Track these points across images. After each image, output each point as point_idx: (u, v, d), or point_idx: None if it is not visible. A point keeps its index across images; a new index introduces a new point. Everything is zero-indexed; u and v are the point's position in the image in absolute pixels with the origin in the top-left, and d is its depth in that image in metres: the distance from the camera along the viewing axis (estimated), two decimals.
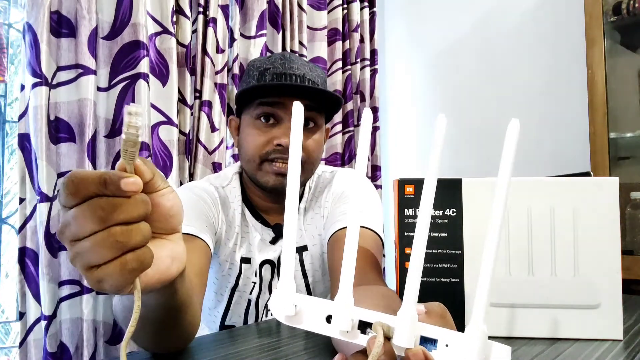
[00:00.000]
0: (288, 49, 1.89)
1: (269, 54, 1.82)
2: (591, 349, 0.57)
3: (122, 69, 1.41)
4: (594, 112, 1.44)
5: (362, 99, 2.20)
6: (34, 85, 1.27)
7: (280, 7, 1.87)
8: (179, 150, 1.55)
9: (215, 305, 0.92)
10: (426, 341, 0.34)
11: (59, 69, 1.34)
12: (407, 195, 0.64)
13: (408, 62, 2.25)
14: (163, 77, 1.52)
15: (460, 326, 0.61)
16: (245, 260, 0.89)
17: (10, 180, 1.46)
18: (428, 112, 2.16)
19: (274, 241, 0.90)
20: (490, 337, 0.33)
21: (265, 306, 0.91)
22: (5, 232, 1.42)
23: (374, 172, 2.21)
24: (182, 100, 1.58)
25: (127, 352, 0.55)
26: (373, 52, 2.25)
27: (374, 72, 2.24)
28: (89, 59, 1.35)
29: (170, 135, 1.52)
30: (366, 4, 2.23)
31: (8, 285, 1.44)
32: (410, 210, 0.64)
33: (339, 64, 2.10)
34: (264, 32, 1.79)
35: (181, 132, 1.58)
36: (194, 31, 1.63)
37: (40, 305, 1.26)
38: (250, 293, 0.90)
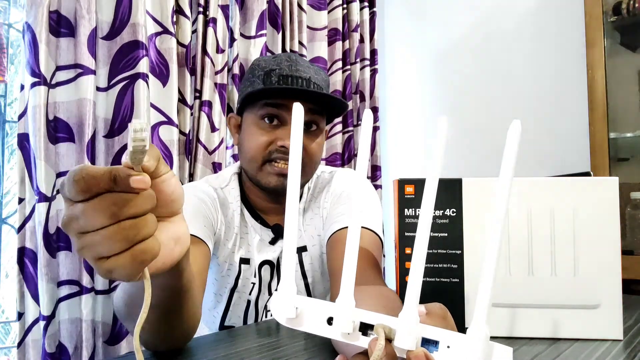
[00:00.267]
0: (288, 49, 1.89)
1: (269, 54, 1.83)
2: (591, 349, 0.57)
3: (121, 69, 1.41)
4: (594, 112, 1.44)
5: (362, 99, 2.20)
6: (33, 85, 1.27)
7: (280, 7, 1.87)
8: (179, 150, 1.55)
9: (215, 305, 0.92)
10: (428, 342, 0.34)
11: (58, 68, 1.33)
12: (407, 195, 0.64)
13: (408, 62, 2.25)
14: (163, 77, 1.52)
15: (460, 326, 0.61)
16: (245, 261, 0.89)
17: (10, 180, 1.46)
18: (428, 112, 2.16)
19: (273, 242, 0.90)
20: (490, 337, 0.32)
21: (265, 307, 0.91)
22: (5, 232, 1.42)
23: (374, 172, 2.21)
24: (182, 100, 1.58)
25: (126, 352, 0.55)
26: (373, 52, 2.25)
27: (373, 72, 2.24)
28: (89, 59, 1.35)
29: (170, 135, 1.52)
30: (366, 4, 2.23)
31: (8, 285, 1.44)
32: (410, 210, 0.64)
33: (339, 64, 2.10)
34: (264, 32, 1.79)
35: (181, 132, 1.58)
36: (194, 31, 1.63)
37: (39, 305, 1.26)
38: (250, 294, 0.90)
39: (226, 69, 1.70)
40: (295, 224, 0.37)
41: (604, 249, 0.61)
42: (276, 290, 0.38)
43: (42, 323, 1.25)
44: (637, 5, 1.46)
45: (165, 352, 0.58)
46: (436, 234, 0.63)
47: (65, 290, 1.30)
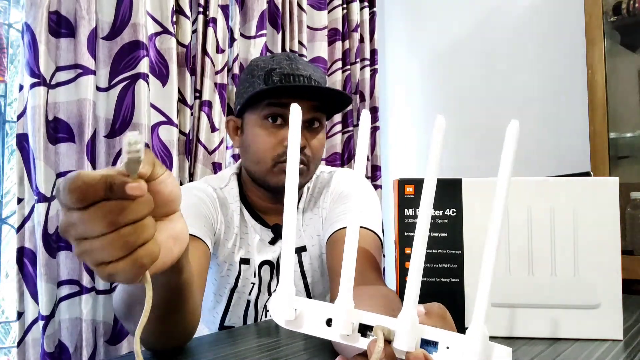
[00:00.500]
0: (288, 49, 1.89)
1: (269, 54, 1.82)
2: (591, 349, 0.57)
3: (122, 69, 1.41)
4: (594, 112, 1.44)
5: (362, 99, 2.20)
6: (32, 86, 1.27)
7: (280, 7, 1.87)
8: (179, 150, 1.55)
9: (215, 306, 0.92)
10: (427, 343, 0.34)
11: (59, 69, 1.33)
12: (407, 195, 0.64)
13: (408, 62, 2.25)
14: (163, 77, 1.52)
15: (460, 326, 0.61)
16: (245, 261, 0.89)
17: (10, 180, 1.46)
18: (428, 112, 2.16)
19: (273, 242, 0.90)
20: (490, 337, 0.32)
21: (265, 307, 0.91)
22: (5, 232, 1.42)
23: (374, 172, 2.21)
24: (182, 100, 1.58)
25: (126, 353, 0.54)
26: (373, 52, 2.25)
27: (373, 72, 2.24)
28: (89, 59, 1.35)
29: (170, 135, 1.52)
30: (366, 4, 2.23)
31: (8, 285, 1.44)
32: (410, 210, 0.64)
33: (339, 64, 2.10)
34: (264, 32, 1.79)
35: (181, 132, 1.58)
36: (194, 31, 1.63)
37: (38, 305, 1.26)
38: (250, 294, 0.90)
39: (226, 69, 1.70)
40: (294, 226, 0.37)
41: (604, 249, 0.61)
42: (275, 290, 0.38)
43: (41, 323, 1.25)
44: (637, 5, 1.46)
45: (165, 352, 0.58)
46: (436, 234, 0.63)
47: (65, 290, 1.30)
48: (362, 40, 2.21)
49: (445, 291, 0.63)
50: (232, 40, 1.75)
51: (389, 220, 2.18)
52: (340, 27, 2.11)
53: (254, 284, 0.89)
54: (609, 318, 0.60)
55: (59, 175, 1.32)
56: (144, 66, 1.41)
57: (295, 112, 0.37)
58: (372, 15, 2.27)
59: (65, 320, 1.30)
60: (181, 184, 1.56)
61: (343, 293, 0.35)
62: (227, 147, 1.73)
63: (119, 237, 0.33)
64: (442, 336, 0.34)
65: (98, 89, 1.40)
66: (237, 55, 1.76)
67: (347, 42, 2.14)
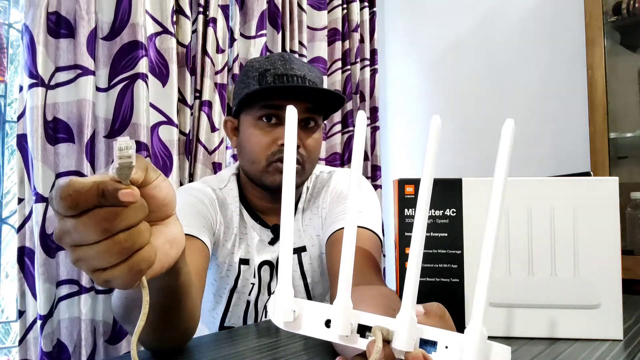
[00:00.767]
0: (288, 49, 1.89)
1: (268, 54, 1.82)
2: (591, 349, 0.57)
3: (121, 69, 1.41)
4: (594, 112, 1.44)
5: (362, 99, 2.20)
6: (31, 87, 1.27)
7: (280, 7, 1.87)
8: (179, 150, 1.55)
9: (214, 306, 0.92)
10: (426, 343, 0.34)
11: (58, 69, 1.34)
12: (407, 195, 0.64)
13: (408, 62, 2.25)
14: (163, 77, 1.52)
15: (460, 325, 0.61)
16: (244, 261, 0.89)
17: (10, 180, 1.46)
18: (428, 112, 2.16)
19: (272, 242, 0.90)
20: (490, 337, 0.32)
21: (265, 307, 0.91)
22: (5, 233, 1.42)
23: (374, 172, 2.21)
24: (182, 100, 1.58)
25: (126, 352, 0.54)
26: (373, 52, 2.25)
27: (373, 72, 2.24)
28: (88, 60, 1.35)
29: (170, 135, 1.52)
30: (366, 4, 2.23)
31: (8, 285, 1.44)
32: (410, 210, 0.64)
33: (339, 64, 2.10)
34: (264, 32, 1.79)
35: (181, 132, 1.58)
36: (194, 31, 1.63)
37: (36, 304, 1.26)
38: (249, 294, 0.90)
39: (226, 69, 1.70)
40: (292, 227, 0.37)
41: (604, 249, 0.61)
42: (275, 290, 0.38)
43: (38, 322, 1.25)
44: (637, 5, 1.46)
45: (165, 352, 0.58)
46: (436, 234, 0.63)
47: (64, 290, 1.30)
48: (362, 40, 2.21)
49: (445, 291, 0.63)
50: (232, 40, 1.75)
51: (389, 220, 2.18)
52: (340, 27, 2.11)
53: (253, 284, 0.89)
54: (609, 318, 0.60)
55: (58, 175, 1.32)
56: (142, 66, 1.41)
57: (291, 114, 0.37)
58: (372, 15, 2.27)
59: (65, 320, 1.30)
60: (181, 184, 1.56)
61: (341, 294, 0.35)
62: (227, 147, 1.73)
63: (113, 244, 0.33)
64: (440, 336, 0.34)
65: (98, 89, 1.40)
66: (237, 55, 1.76)
67: (347, 42, 2.14)
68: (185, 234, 0.74)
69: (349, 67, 2.13)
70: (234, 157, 1.76)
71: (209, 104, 1.62)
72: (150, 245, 0.35)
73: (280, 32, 1.88)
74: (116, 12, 1.42)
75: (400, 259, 0.64)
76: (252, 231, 0.90)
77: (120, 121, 1.40)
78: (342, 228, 0.81)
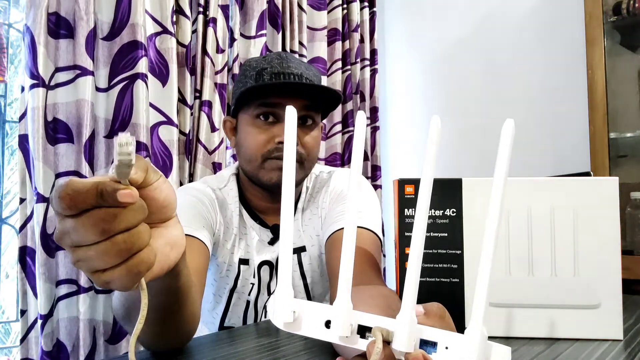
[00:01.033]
0: (288, 49, 1.89)
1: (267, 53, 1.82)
2: (591, 349, 0.57)
3: (121, 69, 1.41)
4: (594, 112, 1.44)
5: (362, 99, 2.20)
6: (32, 87, 1.27)
7: (280, 7, 1.87)
8: (179, 150, 1.55)
9: (214, 306, 0.92)
10: (426, 344, 0.34)
11: (58, 70, 1.34)
12: (407, 195, 0.64)
13: (408, 62, 2.25)
14: (163, 77, 1.52)
15: (460, 325, 0.61)
16: (244, 261, 0.89)
17: (10, 180, 1.46)
18: (428, 112, 2.16)
19: (272, 242, 0.90)
20: (490, 337, 0.32)
21: (264, 307, 0.91)
22: (5, 233, 1.42)
23: (374, 172, 2.21)
24: (182, 100, 1.58)
25: (125, 352, 0.54)
26: (373, 52, 2.25)
27: (373, 72, 2.24)
28: (87, 60, 1.35)
29: (170, 135, 1.52)
30: (366, 4, 2.23)
31: (8, 285, 1.44)
32: (410, 210, 0.64)
33: (339, 64, 2.09)
34: (264, 32, 1.79)
35: (181, 132, 1.58)
36: (194, 31, 1.63)
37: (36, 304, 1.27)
38: (249, 294, 0.90)
39: (226, 69, 1.70)
40: (291, 228, 0.37)
41: (604, 249, 0.61)
42: (275, 290, 0.38)
43: (39, 322, 1.25)
44: (637, 5, 1.46)
45: (165, 352, 0.58)
46: (436, 234, 0.63)
47: (64, 290, 1.30)
48: (362, 40, 2.21)
49: (445, 291, 0.63)
50: (232, 40, 1.75)
51: (389, 220, 2.18)
52: (340, 27, 2.11)
53: (253, 284, 0.89)
54: (609, 318, 0.60)
55: (58, 175, 1.32)
56: (142, 66, 1.41)
57: (291, 114, 0.36)
58: (372, 15, 2.27)
59: (64, 320, 1.30)
60: (181, 184, 1.56)
61: (341, 294, 0.35)
62: (227, 147, 1.73)
63: (112, 245, 0.33)
64: (441, 336, 0.34)
65: (98, 89, 1.40)
66: (237, 55, 1.76)
67: (347, 42, 2.14)
68: (185, 234, 0.75)
69: (349, 67, 2.13)
70: (234, 157, 1.76)
71: (209, 104, 1.62)
72: (150, 247, 0.35)
73: (280, 32, 1.88)
74: (116, 12, 1.42)
75: (400, 259, 0.64)
76: (251, 231, 0.90)
77: (120, 121, 1.40)
78: (342, 228, 0.81)
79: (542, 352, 0.56)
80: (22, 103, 1.29)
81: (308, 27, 2.02)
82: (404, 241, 0.64)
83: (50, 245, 1.29)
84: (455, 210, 0.63)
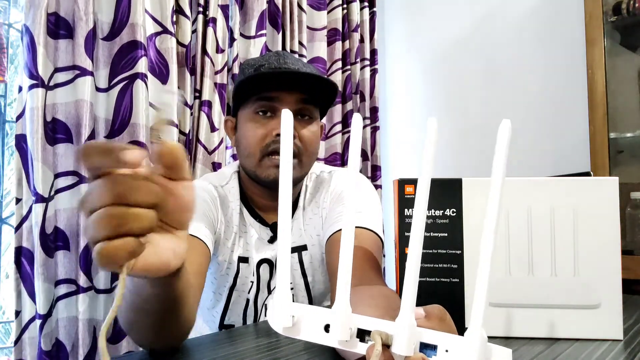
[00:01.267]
0: (288, 49, 1.89)
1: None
2: (591, 349, 0.57)
3: (121, 69, 1.41)
4: (594, 112, 1.44)
5: (362, 99, 2.20)
6: (31, 87, 1.27)
7: (280, 7, 1.87)
8: None
9: (214, 305, 0.92)
10: (426, 347, 0.34)
11: (57, 70, 1.34)
12: (407, 195, 0.64)
13: (408, 62, 2.25)
14: (163, 77, 1.52)
15: (460, 326, 0.61)
16: (243, 259, 0.89)
17: (10, 180, 1.46)
18: (428, 112, 2.16)
19: (271, 240, 0.90)
20: (490, 337, 0.32)
21: (264, 305, 0.91)
22: (5, 233, 1.42)
23: (374, 172, 2.21)
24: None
25: (125, 352, 0.54)
26: (373, 52, 2.25)
27: (373, 72, 2.24)
28: (86, 60, 1.35)
29: (170, 135, 1.52)
30: (366, 4, 2.23)
31: (8, 285, 1.44)
32: (410, 210, 0.64)
33: (339, 64, 2.09)
34: (263, 32, 1.79)
35: (181, 132, 1.58)
36: (194, 31, 1.63)
37: (35, 304, 1.26)
38: (249, 292, 0.90)
39: (226, 68, 1.70)
40: (289, 231, 0.37)
41: (604, 249, 0.61)
42: (275, 288, 0.38)
43: (38, 322, 1.25)
44: (637, 5, 1.46)
45: (165, 353, 0.58)
46: (436, 234, 0.63)
47: (63, 289, 1.30)
48: (362, 40, 2.21)
49: (446, 291, 0.63)
50: (232, 40, 1.75)
51: (389, 220, 2.18)
52: (340, 27, 2.11)
53: (252, 282, 0.89)
54: (609, 318, 0.60)
55: (57, 175, 1.32)
56: (142, 66, 1.41)
57: (287, 117, 0.36)
58: (372, 15, 2.27)
59: (63, 319, 1.30)
60: None
61: (340, 298, 0.35)
62: (227, 147, 1.73)
63: (106, 215, 0.33)
64: (440, 339, 0.34)
65: (98, 89, 1.40)
66: (237, 55, 1.76)
67: (347, 42, 2.14)
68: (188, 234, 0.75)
69: (349, 67, 2.13)
70: (234, 157, 1.76)
71: (209, 104, 1.62)
72: (138, 241, 0.34)
73: (280, 32, 1.87)
74: (116, 12, 1.42)
75: (400, 259, 0.64)
76: (251, 229, 0.90)
77: (120, 121, 1.40)
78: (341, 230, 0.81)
79: (542, 352, 0.56)
80: (20, 103, 1.29)
81: (308, 27, 2.02)
82: (404, 241, 0.64)
83: (49, 245, 1.29)
84: (455, 210, 0.63)
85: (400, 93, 2.28)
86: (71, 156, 1.34)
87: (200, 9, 1.62)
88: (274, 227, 0.90)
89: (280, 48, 1.87)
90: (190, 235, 0.75)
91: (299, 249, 0.91)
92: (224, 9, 1.69)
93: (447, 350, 0.33)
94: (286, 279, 0.36)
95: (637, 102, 1.52)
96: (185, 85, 1.58)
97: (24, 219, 1.27)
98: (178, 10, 1.57)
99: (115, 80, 1.41)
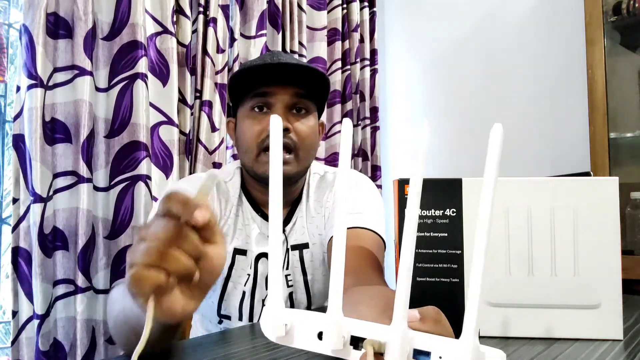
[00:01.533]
0: (288, 49, 1.89)
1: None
2: (591, 349, 0.57)
3: (121, 69, 1.41)
4: (594, 112, 1.44)
5: (362, 99, 2.20)
6: (29, 87, 1.27)
7: (280, 7, 1.87)
8: (179, 150, 1.55)
9: (210, 295, 0.93)
10: (420, 353, 0.34)
11: (56, 70, 1.33)
12: (407, 195, 0.64)
13: (408, 62, 2.25)
14: (163, 77, 1.52)
15: (460, 326, 0.61)
16: (241, 252, 0.89)
17: (10, 180, 1.46)
18: (428, 112, 2.16)
19: None
20: (489, 338, 0.32)
21: (262, 301, 0.91)
22: (5, 232, 1.42)
23: (374, 172, 2.21)
24: (182, 100, 1.58)
25: (124, 353, 0.54)
26: (373, 52, 2.25)
27: (373, 72, 2.24)
28: (85, 60, 1.35)
29: (170, 135, 1.52)
30: (366, 3, 2.22)
31: (9, 285, 1.44)
32: None
33: (339, 64, 2.09)
34: (264, 32, 1.79)
35: (181, 132, 1.58)
36: (194, 31, 1.63)
37: (32, 304, 1.26)
38: (245, 285, 0.90)
39: (226, 68, 1.70)
40: (280, 241, 0.37)
41: (604, 249, 0.61)
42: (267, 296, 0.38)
43: (35, 322, 1.25)
44: (637, 5, 1.46)
45: (164, 353, 0.58)
46: (436, 234, 0.63)
47: (61, 290, 1.30)
48: (362, 40, 2.21)
49: (445, 291, 0.63)
50: (232, 40, 1.75)
51: (389, 220, 2.18)
52: (340, 27, 2.11)
53: (249, 275, 0.90)
54: (609, 318, 0.60)
55: (56, 175, 1.32)
56: (142, 66, 1.41)
57: (276, 123, 0.37)
58: (372, 15, 2.27)
59: (62, 319, 1.30)
60: None
61: (332, 306, 0.35)
62: (227, 147, 1.73)
63: (155, 247, 0.37)
64: (434, 345, 0.34)
65: (98, 89, 1.40)
66: (237, 55, 1.76)
67: (347, 42, 2.14)
68: None
69: (348, 67, 2.12)
70: (234, 156, 1.76)
71: (209, 104, 1.62)
72: (167, 279, 0.37)
73: (280, 32, 1.88)
74: (116, 12, 1.42)
75: (400, 259, 0.64)
76: (252, 223, 0.91)
77: (120, 121, 1.40)
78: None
79: (541, 352, 0.56)
80: (18, 103, 1.29)
81: (308, 27, 2.02)
82: None
83: (48, 245, 1.29)
84: (455, 210, 0.63)
85: (400, 93, 2.28)
86: (70, 156, 1.34)
87: (201, 9, 1.62)
88: None
89: (280, 48, 1.87)
90: None
91: (300, 247, 0.91)
92: (224, 9, 1.69)
93: (440, 357, 0.33)
94: (278, 288, 0.37)
95: (637, 102, 1.51)
96: (186, 85, 1.58)
97: (21, 219, 1.27)
98: (178, 10, 1.57)
99: (115, 80, 1.41)
